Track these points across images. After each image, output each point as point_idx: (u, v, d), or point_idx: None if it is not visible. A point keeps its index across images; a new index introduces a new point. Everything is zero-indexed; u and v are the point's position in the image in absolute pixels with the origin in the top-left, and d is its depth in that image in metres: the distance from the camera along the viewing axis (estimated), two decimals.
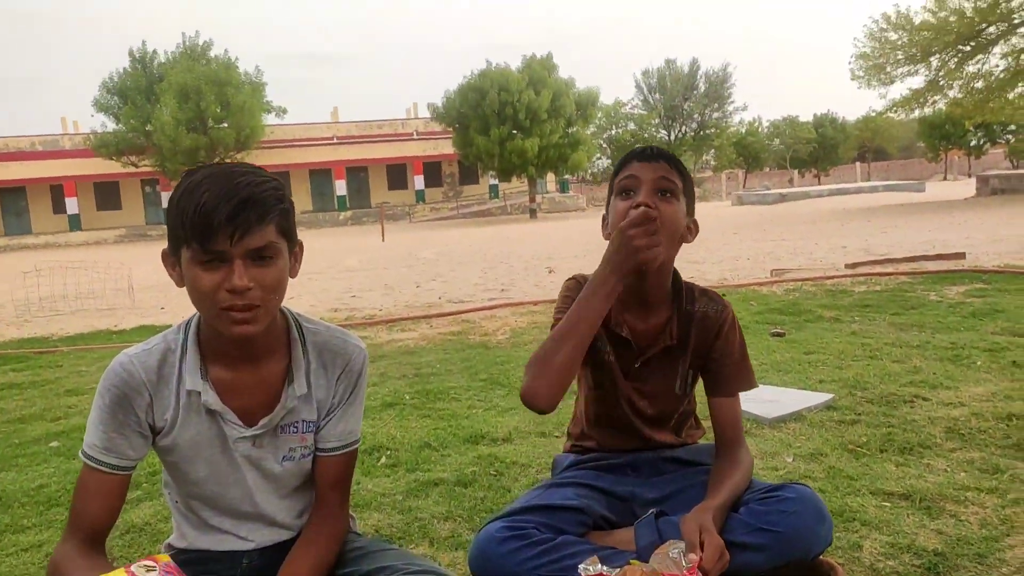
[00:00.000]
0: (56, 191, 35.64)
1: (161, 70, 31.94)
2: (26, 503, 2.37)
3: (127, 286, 8.88)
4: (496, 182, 38.72)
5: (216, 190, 1.16)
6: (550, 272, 8.95)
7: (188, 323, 1.35)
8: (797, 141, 52.59)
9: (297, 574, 1.33)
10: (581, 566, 1.33)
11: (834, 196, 28.49)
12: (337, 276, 10.42)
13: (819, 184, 47.46)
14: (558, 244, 14.22)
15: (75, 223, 35.39)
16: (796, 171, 54.61)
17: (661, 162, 1.58)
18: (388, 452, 2.63)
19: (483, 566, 1.57)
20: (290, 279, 1.30)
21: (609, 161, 44.16)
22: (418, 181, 39.85)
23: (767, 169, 56.20)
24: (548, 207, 37.35)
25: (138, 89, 31.63)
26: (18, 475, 2.65)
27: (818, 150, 53.42)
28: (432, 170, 40.69)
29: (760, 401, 2.75)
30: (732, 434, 1.66)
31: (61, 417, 3.40)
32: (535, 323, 5.22)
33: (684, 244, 1.70)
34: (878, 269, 6.41)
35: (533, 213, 32.85)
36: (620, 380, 1.69)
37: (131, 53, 32.94)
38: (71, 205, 35.49)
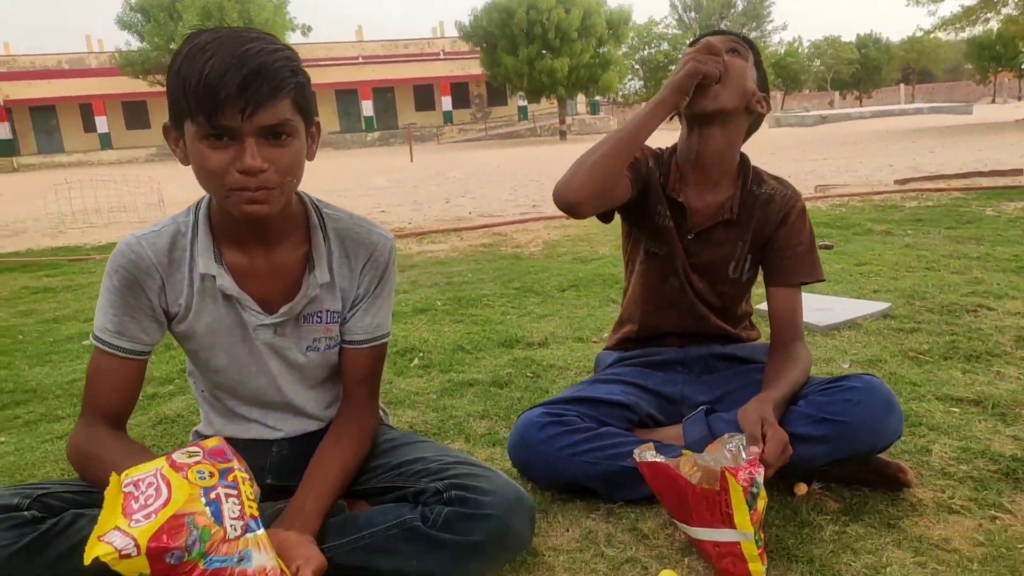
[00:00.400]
0: (86, 110, 35.63)
1: None
2: (60, 395, 2.35)
3: (158, 200, 8.86)
4: (525, 103, 37.85)
5: (223, 56, 1.02)
6: None
7: (198, 204, 1.24)
8: (839, 62, 50.46)
9: (327, 469, 1.26)
10: (636, 451, 1.24)
11: (877, 118, 27.41)
12: (365, 194, 10.29)
13: (861, 106, 45.73)
14: None
15: (106, 142, 35.49)
16: (837, 93, 52.65)
17: (732, 36, 1.54)
18: (420, 354, 2.55)
19: (522, 452, 1.51)
20: (307, 162, 1.18)
21: (641, 83, 42.83)
22: (445, 102, 39.12)
23: (806, 91, 54.23)
24: (578, 129, 36.54)
25: (160, 6, 30.93)
26: (52, 370, 2.64)
27: (860, 71, 51.29)
28: (460, 91, 39.87)
29: (811, 310, 2.60)
30: (790, 328, 1.55)
31: (93, 319, 3.38)
32: (568, 236, 5.08)
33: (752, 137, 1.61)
34: (929, 185, 6.11)
35: (563, 135, 32.18)
36: (677, 246, 1.59)
37: None
38: (101, 124, 35.52)
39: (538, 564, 1.28)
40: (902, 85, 53.55)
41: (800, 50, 51.39)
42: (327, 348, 1.34)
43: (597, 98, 38.42)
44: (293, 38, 33.55)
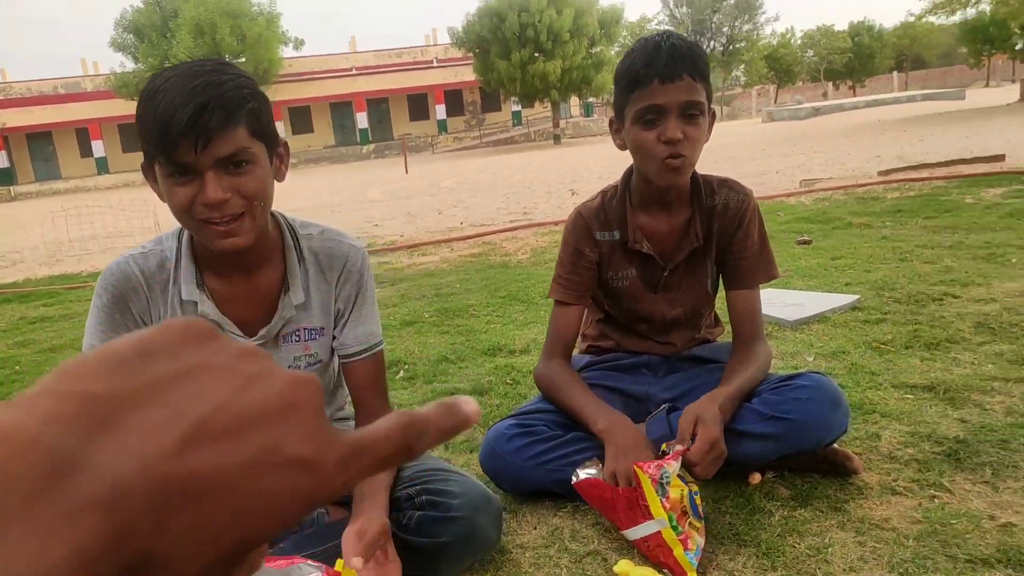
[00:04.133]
0: (82, 134, 35.87)
1: (174, 4, 31.44)
2: None
3: (154, 223, 8.97)
4: (519, 108, 38.00)
5: (173, 95, 1.06)
6: (573, 194, 8.82)
7: (182, 231, 1.29)
8: (832, 52, 50.48)
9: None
10: (574, 472, 1.33)
11: (870, 108, 27.43)
12: (358, 207, 10.39)
13: (854, 96, 45.75)
14: (581, 169, 13.97)
15: (103, 166, 35.70)
16: (831, 84, 52.67)
17: (684, 77, 1.42)
18: (406, 366, 2.64)
19: (493, 463, 1.58)
20: (277, 183, 1.22)
21: None
22: (440, 111, 39.27)
23: (800, 83, 54.22)
24: (572, 132, 36.63)
25: (153, 26, 31.26)
26: None
27: (854, 61, 51.32)
28: (453, 99, 40.02)
29: (783, 305, 2.70)
30: (750, 328, 1.62)
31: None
32: (556, 242, 5.15)
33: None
34: (912, 175, 6.18)
35: (557, 139, 32.30)
36: (639, 301, 1.66)
37: None
38: (98, 148, 35.74)
39: (505, 561, 1.37)
40: (895, 73, 53.49)
41: (793, 41, 51.49)
42: (308, 366, 1.40)
43: (591, 99, 38.52)
44: (286, 52, 33.78)
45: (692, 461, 1.29)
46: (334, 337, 1.40)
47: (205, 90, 1.07)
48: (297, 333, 1.37)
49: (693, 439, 1.33)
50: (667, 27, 42.79)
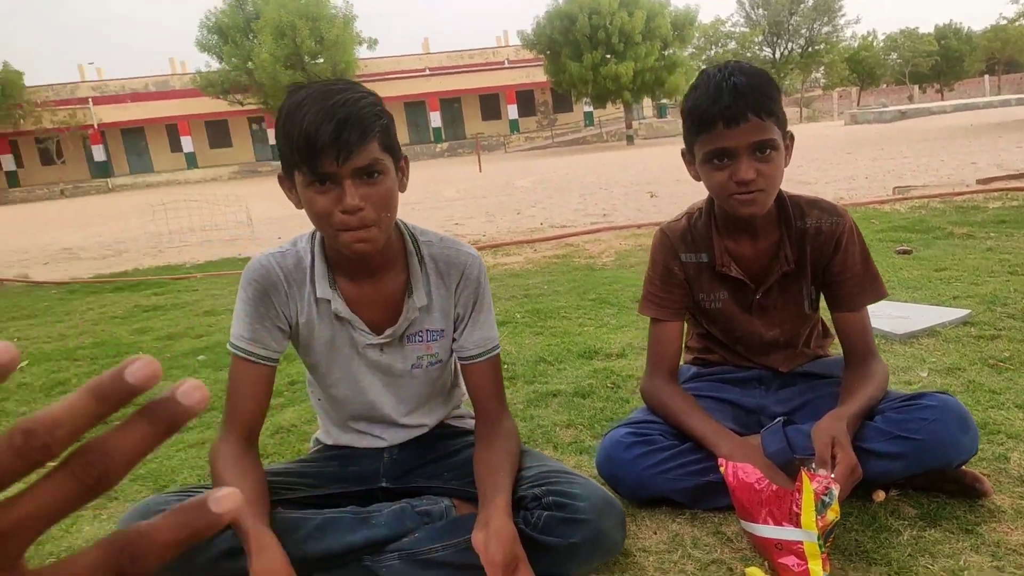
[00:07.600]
0: (172, 130, 37.55)
1: (256, 6, 32.48)
2: None
3: (247, 218, 9.34)
4: (591, 109, 37.85)
5: (315, 111, 1.17)
6: (652, 196, 8.76)
7: (314, 234, 1.40)
8: (917, 55, 48.47)
9: (494, 468, 1.36)
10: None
11: (960, 112, 26.22)
12: (437, 206, 10.56)
13: (942, 100, 43.78)
14: (658, 170, 13.82)
15: (191, 160, 37.33)
16: (916, 87, 50.53)
17: (750, 118, 1.38)
18: (505, 366, 2.70)
19: (611, 468, 1.61)
20: (400, 194, 1.32)
21: None
22: (511, 111, 39.47)
23: (883, 86, 52.19)
24: (645, 133, 36.24)
25: (236, 27, 32.31)
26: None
27: (941, 63, 49.14)
28: (525, 99, 40.16)
29: (890, 317, 2.64)
30: (862, 347, 1.59)
31: (204, 335, 3.66)
32: (640, 245, 5.15)
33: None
34: (1014, 184, 5.90)
35: (630, 140, 32.01)
36: (734, 322, 1.66)
37: None
38: (186, 143, 37.39)
39: (630, 564, 1.40)
40: (986, 76, 50.83)
41: (875, 44, 49.66)
42: (429, 365, 1.49)
43: (664, 101, 38.04)
44: (361, 52, 34.53)
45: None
46: (453, 339, 1.47)
47: (344, 108, 1.18)
48: (420, 334, 1.45)
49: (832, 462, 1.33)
50: (742, 29, 41.88)
